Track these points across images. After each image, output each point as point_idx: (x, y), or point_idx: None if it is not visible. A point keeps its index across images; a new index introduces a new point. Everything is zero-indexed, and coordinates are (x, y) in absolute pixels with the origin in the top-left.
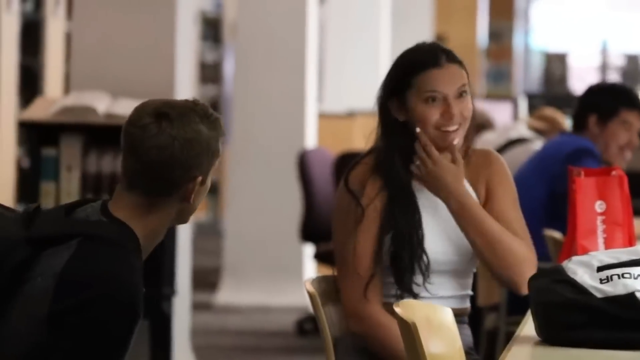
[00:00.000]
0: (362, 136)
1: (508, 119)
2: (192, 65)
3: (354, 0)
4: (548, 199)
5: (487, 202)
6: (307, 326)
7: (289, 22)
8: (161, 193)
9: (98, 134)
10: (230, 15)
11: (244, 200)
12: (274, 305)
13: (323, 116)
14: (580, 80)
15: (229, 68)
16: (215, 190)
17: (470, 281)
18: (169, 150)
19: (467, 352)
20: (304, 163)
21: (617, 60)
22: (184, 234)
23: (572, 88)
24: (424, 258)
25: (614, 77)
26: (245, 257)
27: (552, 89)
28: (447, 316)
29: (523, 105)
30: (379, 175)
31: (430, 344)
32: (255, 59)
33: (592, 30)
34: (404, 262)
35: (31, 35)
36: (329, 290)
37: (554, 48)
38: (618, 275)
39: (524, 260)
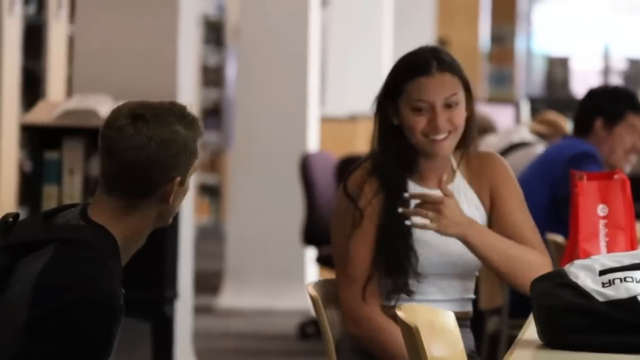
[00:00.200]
0: (365, 140)
1: (510, 122)
2: (195, 68)
3: (356, 3)
4: (550, 202)
5: (493, 207)
6: (309, 329)
7: (292, 26)
8: (139, 195)
9: None
10: (233, 18)
11: (246, 203)
12: (276, 309)
13: (325, 120)
14: (582, 84)
15: (231, 71)
16: (217, 194)
17: (472, 285)
18: (146, 151)
19: (470, 356)
20: (306, 166)
21: (619, 64)
22: (186, 237)
23: (575, 92)
24: (414, 261)
25: (616, 81)
26: (247, 260)
27: (554, 92)
28: (450, 320)
29: (525, 108)
30: (375, 178)
31: (433, 348)
32: (258, 62)
33: (594, 34)
34: (396, 265)
35: (34, 39)
36: (331, 293)
37: (556, 52)
38: (620, 279)
39: (538, 267)
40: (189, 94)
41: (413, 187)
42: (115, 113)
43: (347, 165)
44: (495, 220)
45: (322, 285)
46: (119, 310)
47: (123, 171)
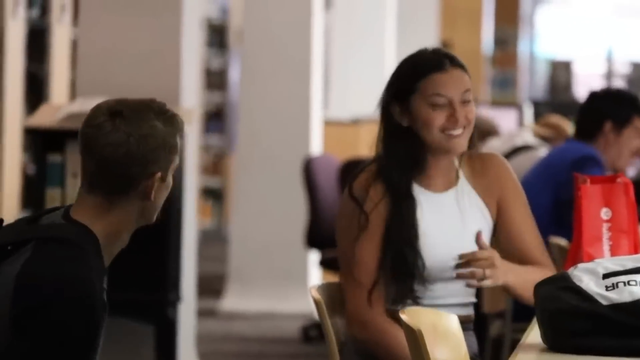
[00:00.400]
0: (368, 143)
1: (513, 125)
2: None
3: (359, 7)
4: (553, 206)
5: (499, 215)
6: (312, 333)
7: (295, 29)
8: (120, 191)
9: None
10: (236, 21)
11: (250, 206)
12: (279, 312)
13: (328, 123)
14: (585, 87)
15: (234, 74)
16: (220, 197)
17: (474, 288)
18: (124, 147)
19: (472, 359)
20: (309, 170)
21: (622, 67)
22: (189, 240)
23: (578, 95)
24: (421, 266)
25: (619, 84)
26: (250, 263)
27: (557, 96)
28: (453, 323)
29: (528, 112)
30: (381, 182)
31: (436, 351)
32: (261, 65)
33: (597, 37)
34: (403, 270)
35: (37, 42)
36: (334, 296)
37: (559, 55)
38: (624, 282)
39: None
40: (192, 97)
41: (418, 191)
42: (95, 111)
43: (350, 169)
44: (501, 229)
45: (325, 288)
46: (100, 307)
47: (102, 168)
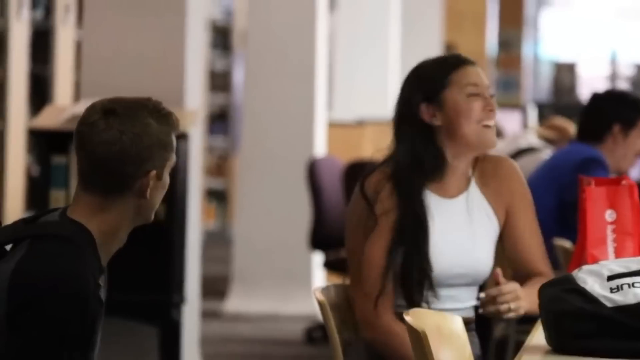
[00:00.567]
0: (372, 145)
1: (517, 127)
2: (202, 73)
3: (363, 9)
4: (558, 208)
5: (507, 222)
6: (316, 334)
7: (299, 31)
8: (115, 190)
9: None
10: (240, 23)
11: (254, 208)
12: (283, 314)
13: (332, 124)
14: (589, 90)
15: (238, 76)
16: (224, 198)
17: (476, 291)
18: (118, 145)
19: None
20: (313, 171)
21: (626, 69)
22: (193, 241)
23: (581, 97)
24: (430, 274)
25: (623, 87)
26: (254, 265)
27: (561, 98)
28: (457, 324)
29: (532, 114)
30: (393, 185)
31: (440, 352)
32: (265, 67)
33: (601, 39)
34: (411, 277)
35: (41, 43)
36: (338, 298)
37: (564, 57)
38: (628, 284)
39: None
40: (196, 99)
41: (430, 196)
42: (89, 109)
43: (354, 170)
44: (507, 234)
45: (329, 290)
46: (94, 303)
47: (97, 167)
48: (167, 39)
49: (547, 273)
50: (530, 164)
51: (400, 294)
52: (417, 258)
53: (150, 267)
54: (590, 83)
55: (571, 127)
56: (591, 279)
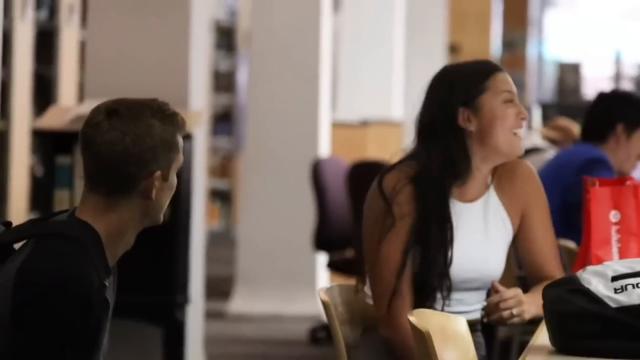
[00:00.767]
0: (376, 145)
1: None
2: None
3: (367, 9)
4: (562, 208)
5: (521, 227)
6: (320, 335)
7: (303, 31)
8: (119, 190)
9: None
10: (244, 24)
11: (258, 208)
12: (287, 314)
13: (336, 125)
14: (593, 90)
15: (242, 77)
16: (228, 199)
17: (485, 294)
18: (120, 146)
19: None
20: (317, 172)
21: (630, 69)
22: (197, 242)
23: (586, 98)
24: (447, 280)
25: (627, 87)
26: (258, 265)
27: (565, 98)
28: (461, 325)
29: (537, 114)
30: (415, 187)
31: (444, 353)
32: (269, 67)
33: (605, 39)
34: (428, 280)
35: (45, 44)
36: (342, 298)
37: (568, 57)
38: (633, 285)
39: None
40: (200, 99)
41: (450, 200)
42: (93, 111)
43: (358, 171)
44: (521, 238)
45: (333, 290)
46: (98, 303)
47: (101, 167)
48: (171, 40)
49: (558, 276)
50: (535, 164)
51: (418, 302)
52: (439, 264)
53: (154, 268)
54: (595, 83)
55: (575, 128)
56: (595, 280)
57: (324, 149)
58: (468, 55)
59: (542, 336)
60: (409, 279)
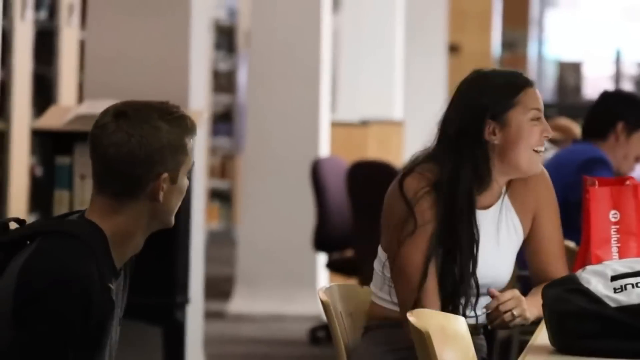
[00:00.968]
0: (376, 145)
1: None
2: (206, 73)
3: (367, 9)
4: (561, 208)
5: (531, 229)
6: (320, 335)
7: (303, 31)
8: (127, 192)
9: None
10: (244, 24)
11: (258, 208)
12: (287, 314)
13: (336, 125)
14: (594, 90)
15: (242, 77)
16: (228, 199)
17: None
18: (126, 147)
19: None
20: (317, 172)
21: (631, 69)
22: (197, 242)
23: (587, 97)
24: (473, 286)
25: (627, 86)
26: (258, 265)
27: (566, 98)
28: (461, 325)
29: None
30: (438, 194)
31: (444, 353)
32: (269, 67)
33: (606, 39)
34: (452, 285)
35: (45, 44)
36: (342, 298)
37: (568, 57)
38: (632, 284)
39: None
40: (200, 99)
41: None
42: (103, 113)
43: (358, 171)
44: (530, 242)
45: (333, 290)
46: (100, 303)
47: (108, 169)
48: (171, 40)
49: (563, 263)
50: None
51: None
52: (467, 272)
53: (154, 268)
54: (595, 83)
55: (576, 128)
56: (595, 279)
57: (324, 148)
58: (469, 55)
59: (541, 336)
60: (435, 285)
